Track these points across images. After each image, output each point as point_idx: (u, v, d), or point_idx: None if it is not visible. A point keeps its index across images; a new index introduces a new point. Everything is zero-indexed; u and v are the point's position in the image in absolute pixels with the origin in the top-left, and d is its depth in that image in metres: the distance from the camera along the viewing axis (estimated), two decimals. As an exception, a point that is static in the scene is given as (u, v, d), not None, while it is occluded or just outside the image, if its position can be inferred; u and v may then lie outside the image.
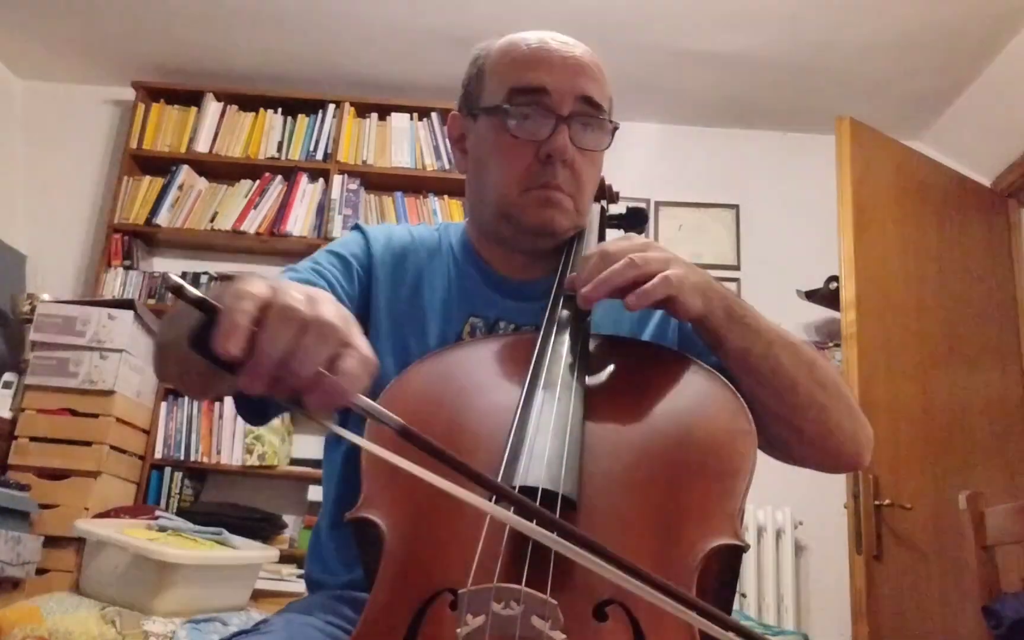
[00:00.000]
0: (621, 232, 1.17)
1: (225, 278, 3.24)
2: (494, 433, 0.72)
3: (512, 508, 0.55)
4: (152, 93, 3.44)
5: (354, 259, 1.00)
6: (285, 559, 2.67)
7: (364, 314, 0.98)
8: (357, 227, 1.06)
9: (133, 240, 3.27)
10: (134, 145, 3.34)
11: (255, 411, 0.90)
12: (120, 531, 2.08)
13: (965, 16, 2.70)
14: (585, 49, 1.00)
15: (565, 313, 0.86)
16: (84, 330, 2.78)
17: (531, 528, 0.54)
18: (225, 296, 0.56)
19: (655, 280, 0.77)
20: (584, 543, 0.53)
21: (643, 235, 0.99)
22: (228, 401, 3.02)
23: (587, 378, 0.79)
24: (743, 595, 2.85)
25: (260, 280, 0.58)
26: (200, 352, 0.55)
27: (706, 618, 0.51)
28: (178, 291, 0.54)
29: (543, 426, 0.70)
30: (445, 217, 3.27)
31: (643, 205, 2.32)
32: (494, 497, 0.59)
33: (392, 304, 0.99)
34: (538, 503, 0.61)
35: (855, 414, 0.90)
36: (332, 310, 0.57)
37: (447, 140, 3.24)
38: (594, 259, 0.81)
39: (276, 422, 2.97)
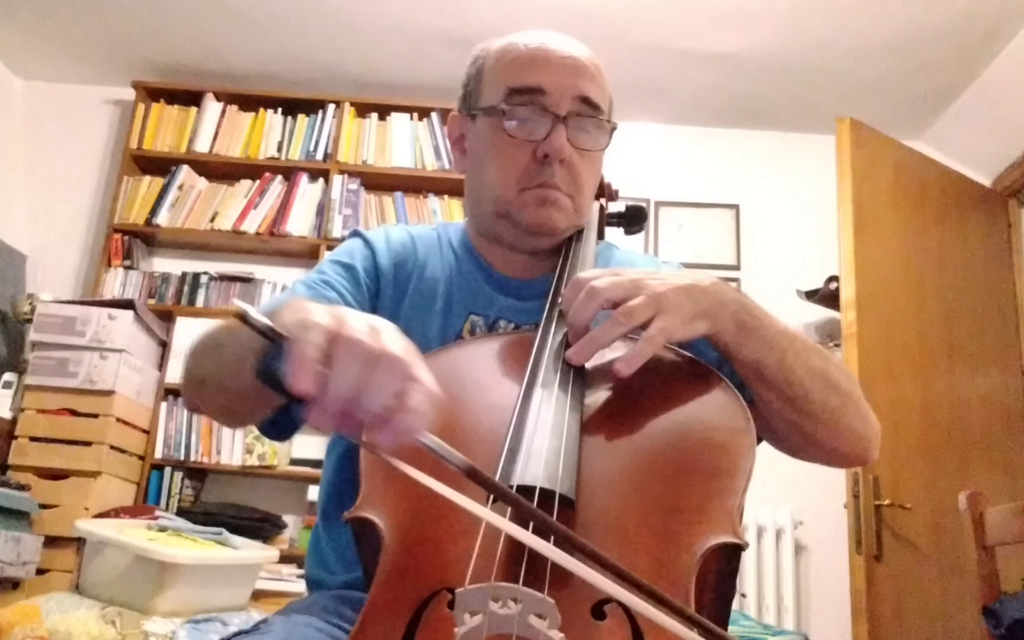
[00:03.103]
0: (621, 231, 1.17)
1: (223, 278, 3.23)
2: (492, 432, 0.72)
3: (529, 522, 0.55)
4: (152, 93, 3.44)
5: (360, 266, 1.00)
6: (285, 559, 2.66)
7: None
8: (357, 233, 1.06)
9: (133, 240, 3.27)
10: (134, 145, 3.34)
11: (280, 430, 0.88)
12: (120, 531, 2.08)
13: (965, 16, 2.70)
14: (584, 49, 0.99)
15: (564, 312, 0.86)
16: (84, 330, 2.79)
17: (549, 548, 0.54)
18: (292, 325, 0.55)
19: (641, 346, 0.75)
20: (588, 552, 0.53)
21: (641, 232, 0.98)
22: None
23: (585, 376, 0.79)
24: (743, 595, 2.85)
25: (321, 307, 0.57)
26: (270, 384, 0.54)
27: (702, 631, 0.51)
28: (243, 317, 0.53)
29: (541, 425, 0.70)
30: (445, 217, 3.27)
31: (643, 204, 2.32)
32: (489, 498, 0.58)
33: (397, 306, 0.99)
34: (535, 502, 0.61)
35: (864, 413, 0.90)
36: (396, 341, 0.56)
37: (447, 140, 3.25)
38: (581, 297, 0.79)
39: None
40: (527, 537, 0.54)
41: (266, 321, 0.54)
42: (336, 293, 0.95)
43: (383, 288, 1.00)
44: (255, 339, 0.61)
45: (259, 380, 0.55)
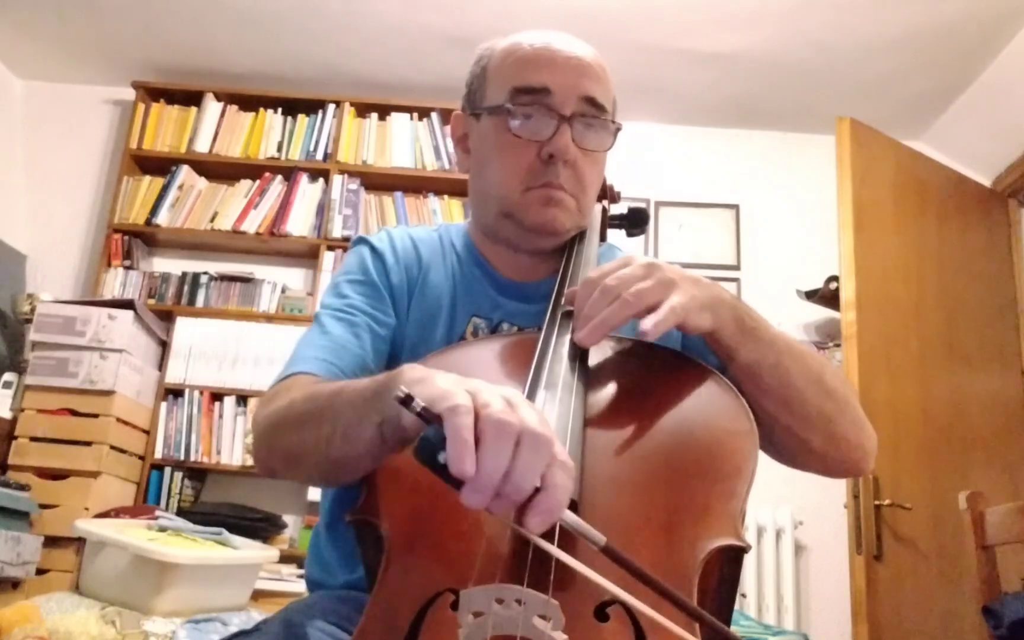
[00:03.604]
0: (622, 232, 1.17)
1: (223, 277, 3.23)
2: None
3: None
4: (152, 93, 3.44)
5: (377, 279, 1.00)
6: (285, 559, 2.66)
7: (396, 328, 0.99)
8: (362, 240, 1.05)
9: (133, 240, 3.27)
10: (134, 145, 3.34)
11: None
12: (120, 531, 2.07)
13: (965, 16, 2.70)
14: (589, 49, 0.99)
15: (566, 313, 0.86)
16: (84, 330, 2.78)
17: (551, 548, 0.55)
18: (437, 404, 0.56)
19: (664, 311, 0.76)
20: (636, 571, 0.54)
21: (645, 233, 0.98)
22: (228, 401, 3.03)
23: (588, 378, 0.79)
24: (743, 595, 2.85)
25: (452, 380, 0.59)
26: (429, 465, 0.56)
27: (708, 628, 0.51)
28: (405, 403, 0.56)
29: (544, 427, 0.70)
30: (445, 217, 3.27)
31: (643, 205, 2.32)
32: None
33: (406, 311, 0.99)
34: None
35: (860, 422, 0.89)
36: (532, 413, 0.57)
37: (449, 139, 3.25)
38: (595, 295, 0.79)
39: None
40: (538, 539, 0.55)
41: (423, 405, 0.56)
42: (365, 315, 0.95)
43: (395, 294, 1.00)
44: (370, 410, 0.66)
45: (420, 461, 0.56)
